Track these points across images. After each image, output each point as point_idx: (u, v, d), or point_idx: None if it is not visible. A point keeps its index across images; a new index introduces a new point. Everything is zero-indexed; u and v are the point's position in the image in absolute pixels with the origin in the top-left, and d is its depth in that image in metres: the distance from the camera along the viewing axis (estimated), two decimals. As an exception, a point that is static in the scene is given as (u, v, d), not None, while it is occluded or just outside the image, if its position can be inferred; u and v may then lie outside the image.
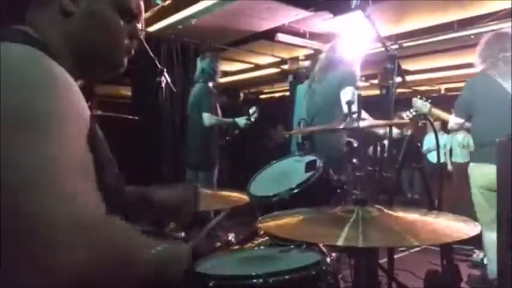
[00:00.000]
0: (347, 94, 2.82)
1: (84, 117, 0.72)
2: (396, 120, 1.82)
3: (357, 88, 2.90)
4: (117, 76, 0.93)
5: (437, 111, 3.15)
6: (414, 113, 3.03)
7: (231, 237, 1.70)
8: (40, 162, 0.60)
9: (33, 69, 0.67)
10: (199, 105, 3.85)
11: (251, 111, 4.09)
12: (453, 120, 2.98)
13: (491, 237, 2.65)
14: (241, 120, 4.06)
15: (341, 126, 1.49)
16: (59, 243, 0.57)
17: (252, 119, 4.07)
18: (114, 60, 0.89)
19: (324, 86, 3.00)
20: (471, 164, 2.91)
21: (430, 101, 3.20)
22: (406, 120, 2.81)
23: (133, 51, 0.93)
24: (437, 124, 3.62)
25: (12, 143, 0.60)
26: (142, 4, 0.92)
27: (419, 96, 3.23)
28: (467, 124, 2.96)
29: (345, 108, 2.75)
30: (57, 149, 0.62)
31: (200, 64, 4.00)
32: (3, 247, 0.56)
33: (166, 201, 1.14)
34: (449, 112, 3.06)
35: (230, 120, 4.05)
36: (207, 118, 3.79)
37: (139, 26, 0.93)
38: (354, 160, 1.53)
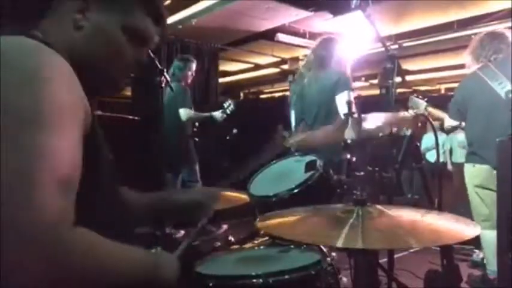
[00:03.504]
0: (343, 99, 2.81)
1: (83, 113, 0.72)
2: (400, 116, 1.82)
3: (352, 90, 2.89)
4: (114, 95, 0.94)
5: (433, 110, 3.14)
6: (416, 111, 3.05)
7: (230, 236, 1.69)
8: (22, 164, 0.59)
9: (34, 60, 0.67)
10: (174, 102, 3.88)
11: (226, 104, 4.18)
12: (448, 122, 3.01)
13: (485, 236, 2.67)
14: (217, 114, 4.13)
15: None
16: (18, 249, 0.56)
17: (228, 111, 4.15)
18: (114, 80, 0.90)
19: (317, 87, 2.95)
20: (465, 164, 2.95)
21: (426, 99, 3.19)
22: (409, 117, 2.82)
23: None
24: (436, 124, 3.63)
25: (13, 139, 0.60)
26: (154, 31, 0.92)
27: (415, 95, 3.24)
28: (463, 124, 2.98)
29: (343, 111, 2.76)
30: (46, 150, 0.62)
31: (173, 64, 4.08)
32: None
33: (185, 201, 1.18)
34: (446, 111, 3.07)
35: (207, 114, 4.14)
36: (184, 113, 3.84)
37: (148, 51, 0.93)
38: (348, 156, 1.54)
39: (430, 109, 3.11)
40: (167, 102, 3.96)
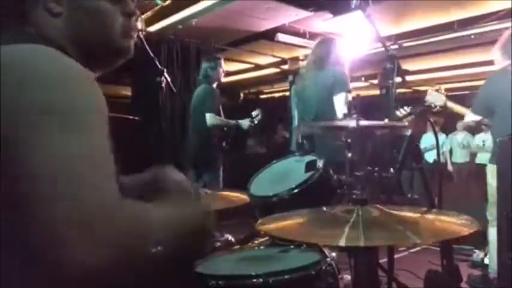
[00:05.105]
0: (340, 100, 2.85)
1: (106, 110, 0.73)
2: (394, 122, 1.80)
3: (349, 91, 2.92)
4: (127, 57, 0.91)
5: (452, 104, 2.98)
6: (408, 111, 2.92)
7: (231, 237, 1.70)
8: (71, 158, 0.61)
9: (57, 66, 0.67)
10: (202, 105, 3.84)
11: (254, 113, 4.08)
12: (470, 117, 2.85)
13: (495, 236, 2.64)
14: (244, 122, 4.05)
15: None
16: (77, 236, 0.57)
17: (255, 121, 4.07)
18: (116, 44, 0.87)
19: (315, 87, 3.00)
20: (489, 165, 2.81)
21: (445, 93, 3.02)
22: (401, 116, 2.74)
23: (136, 35, 0.91)
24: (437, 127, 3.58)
25: (50, 140, 0.60)
26: None
27: (435, 88, 3.04)
28: (485, 121, 2.81)
29: (340, 112, 2.78)
30: (88, 146, 0.64)
31: (203, 66, 4.02)
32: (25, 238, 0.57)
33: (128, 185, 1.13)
34: (465, 106, 2.92)
35: (233, 121, 4.03)
36: (210, 118, 3.78)
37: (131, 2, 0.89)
38: (350, 154, 1.54)
39: (450, 103, 2.96)
40: (195, 103, 3.97)
